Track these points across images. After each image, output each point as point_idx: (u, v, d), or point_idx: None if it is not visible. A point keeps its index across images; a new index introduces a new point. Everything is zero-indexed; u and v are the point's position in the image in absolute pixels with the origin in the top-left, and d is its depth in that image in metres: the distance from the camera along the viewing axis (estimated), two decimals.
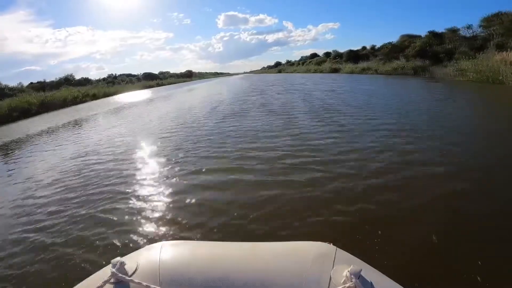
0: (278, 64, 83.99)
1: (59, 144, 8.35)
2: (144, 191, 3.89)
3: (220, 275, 0.88)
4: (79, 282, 0.94)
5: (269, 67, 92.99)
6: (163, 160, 5.22)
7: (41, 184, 4.86)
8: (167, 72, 78.00)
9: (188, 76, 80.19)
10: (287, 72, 54.52)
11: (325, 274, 0.83)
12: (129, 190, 3.95)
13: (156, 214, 3.23)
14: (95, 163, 5.52)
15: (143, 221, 3.10)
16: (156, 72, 72.64)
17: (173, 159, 5.14)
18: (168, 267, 0.93)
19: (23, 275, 2.50)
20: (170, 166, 4.79)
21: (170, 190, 3.84)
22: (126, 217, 3.24)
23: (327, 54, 48.26)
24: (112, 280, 0.88)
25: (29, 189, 4.70)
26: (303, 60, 60.73)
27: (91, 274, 0.97)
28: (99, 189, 4.19)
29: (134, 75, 61.27)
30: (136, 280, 0.86)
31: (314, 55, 60.18)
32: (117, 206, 3.53)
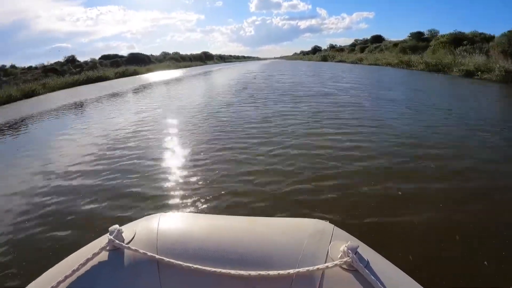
0: (316, 49, 61.65)
1: None
2: None
3: (217, 247, 0.86)
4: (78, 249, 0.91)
5: (304, 53, 70.62)
6: None
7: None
8: (177, 53, 58.86)
9: (201, 59, 60.44)
10: (342, 61, 32.30)
11: (322, 249, 0.81)
12: None
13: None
14: None
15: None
16: (158, 53, 54.07)
17: None
18: (166, 237, 0.89)
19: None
20: None
21: None
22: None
23: (418, 36, 26.24)
24: (108, 247, 0.85)
25: None
26: (362, 44, 38.74)
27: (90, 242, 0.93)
28: None
29: (121, 56, 42.41)
30: (133, 248, 0.84)
31: (378, 38, 38.01)
32: None
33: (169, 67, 38.62)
